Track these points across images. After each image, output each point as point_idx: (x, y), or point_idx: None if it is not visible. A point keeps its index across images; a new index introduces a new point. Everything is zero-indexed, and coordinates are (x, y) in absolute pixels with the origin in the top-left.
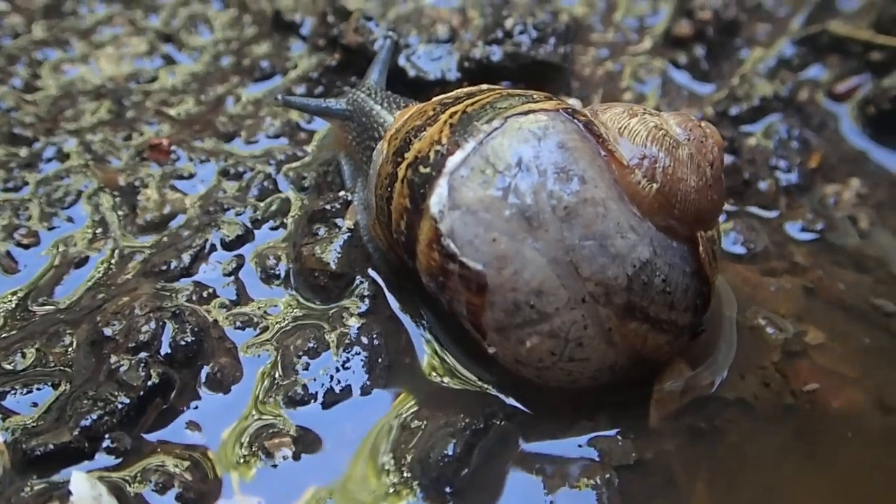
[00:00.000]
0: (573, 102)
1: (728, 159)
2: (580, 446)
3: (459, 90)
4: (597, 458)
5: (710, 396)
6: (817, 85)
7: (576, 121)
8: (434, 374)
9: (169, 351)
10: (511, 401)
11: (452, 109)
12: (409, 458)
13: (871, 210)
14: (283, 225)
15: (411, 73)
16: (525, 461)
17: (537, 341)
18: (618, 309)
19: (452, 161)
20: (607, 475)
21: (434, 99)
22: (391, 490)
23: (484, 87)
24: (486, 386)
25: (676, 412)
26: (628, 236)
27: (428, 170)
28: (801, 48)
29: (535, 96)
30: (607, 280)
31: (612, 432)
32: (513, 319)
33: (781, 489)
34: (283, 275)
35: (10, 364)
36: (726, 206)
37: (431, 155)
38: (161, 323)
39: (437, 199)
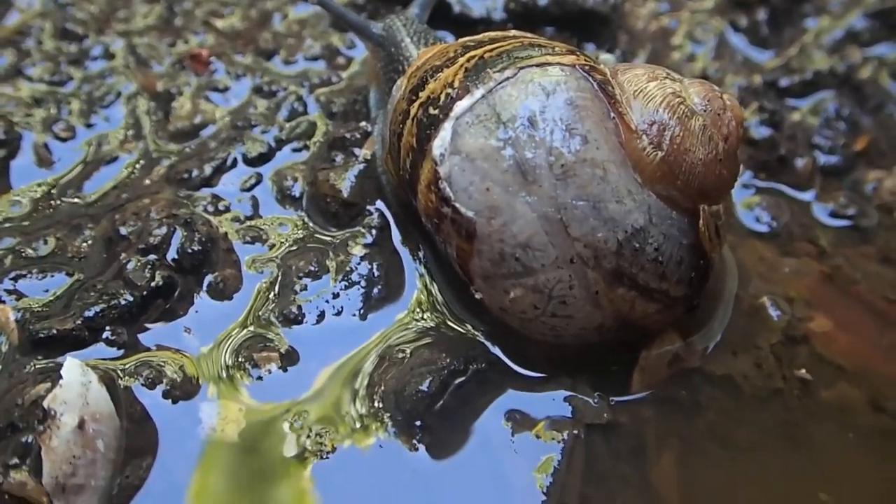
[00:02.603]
0: (607, 58)
1: (765, 132)
2: (555, 401)
3: (486, 34)
4: (569, 415)
5: (698, 370)
6: (883, 63)
7: (591, 79)
8: (423, 311)
9: (176, 256)
10: (495, 349)
11: (472, 53)
12: (384, 388)
13: None
14: (307, 147)
15: (456, 8)
16: (498, 407)
17: (520, 293)
18: (606, 273)
19: (460, 106)
20: (575, 431)
21: (459, 40)
22: (364, 416)
23: (512, 32)
24: (473, 332)
25: (661, 381)
26: (624, 201)
27: (436, 112)
28: (875, 22)
29: (556, 48)
30: (597, 242)
31: (591, 392)
32: (498, 269)
33: (753, 475)
34: (297, 196)
35: (32, 249)
36: (756, 181)
37: (442, 97)
38: (172, 229)
39: (440, 142)
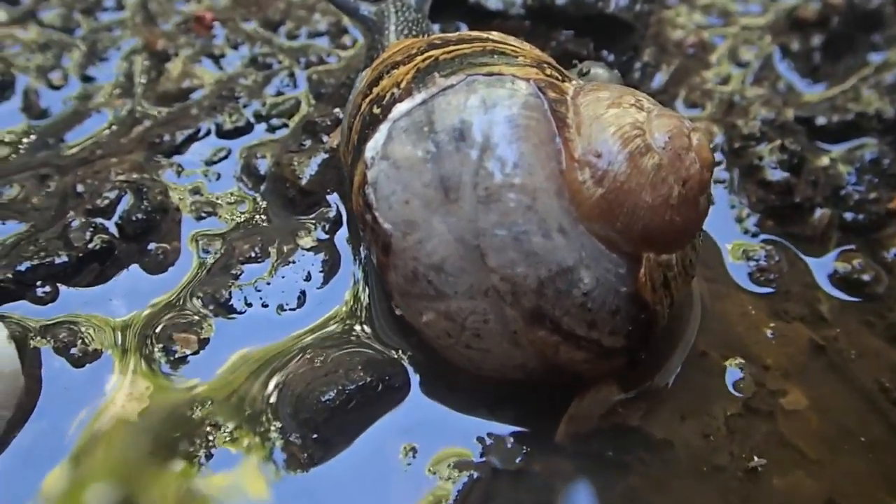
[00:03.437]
0: (597, 73)
1: (781, 175)
2: (466, 436)
3: (461, 33)
4: (477, 454)
5: (637, 428)
6: None
7: (543, 97)
8: (352, 318)
9: (119, 221)
10: (416, 371)
11: (430, 53)
12: (290, 391)
13: None
14: (286, 126)
15: None
16: (404, 432)
17: (433, 317)
18: (525, 312)
19: (399, 109)
20: (477, 475)
21: (432, 36)
22: (263, 418)
23: (490, 34)
24: (397, 349)
25: (590, 434)
26: (552, 236)
27: (378, 111)
28: None
29: (522, 58)
30: (515, 277)
31: (509, 431)
32: (412, 288)
33: None
34: (262, 176)
35: (5, 196)
36: (761, 227)
37: (387, 96)
38: (121, 193)
39: (374, 143)
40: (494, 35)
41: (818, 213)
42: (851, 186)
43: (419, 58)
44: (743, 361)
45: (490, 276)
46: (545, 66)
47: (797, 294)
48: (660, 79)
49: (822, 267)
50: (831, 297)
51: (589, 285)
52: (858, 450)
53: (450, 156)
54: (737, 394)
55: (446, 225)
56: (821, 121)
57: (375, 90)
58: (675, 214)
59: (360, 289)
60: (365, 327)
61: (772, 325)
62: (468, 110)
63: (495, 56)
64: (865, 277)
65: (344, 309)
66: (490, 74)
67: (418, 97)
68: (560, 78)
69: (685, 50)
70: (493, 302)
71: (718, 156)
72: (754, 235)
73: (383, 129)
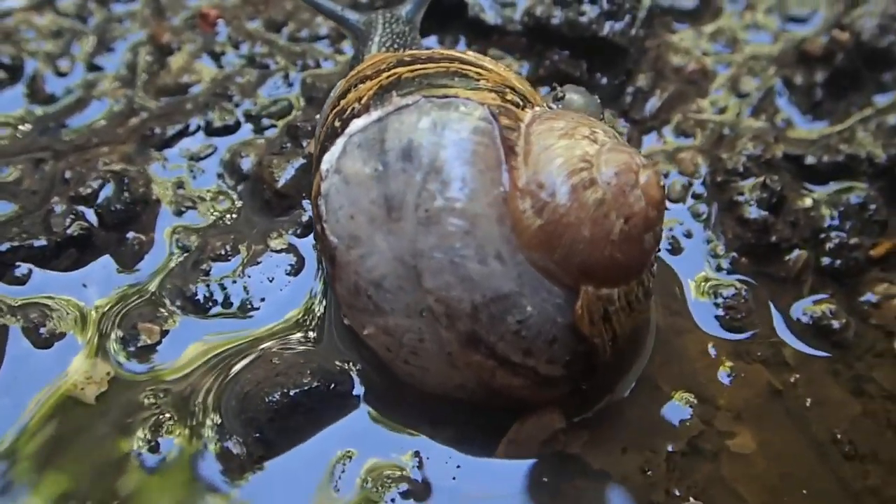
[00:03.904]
0: (576, 99)
1: (759, 213)
2: (405, 449)
3: (433, 51)
4: (414, 468)
5: (576, 456)
6: None
7: (495, 123)
8: (310, 323)
9: (99, 210)
10: (364, 380)
11: (395, 70)
12: (240, 388)
13: None
14: (275, 127)
15: (472, 11)
16: (344, 440)
17: (373, 331)
18: (460, 335)
19: (355, 124)
20: (409, 488)
21: (403, 52)
22: (211, 413)
23: (463, 54)
24: (347, 364)
25: (529, 457)
26: (488, 263)
27: (339, 124)
28: None
29: (483, 82)
30: (450, 300)
31: (448, 449)
32: (354, 301)
33: None
34: (245, 175)
35: (1, 176)
36: (733, 265)
37: (349, 110)
38: (104, 183)
39: (329, 157)
40: (469, 55)
41: (794, 254)
42: (833, 231)
43: (385, 74)
44: (695, 399)
45: (426, 296)
46: (508, 90)
47: (762, 336)
48: (652, 104)
49: (792, 311)
50: (798, 342)
51: (525, 313)
52: (800, 501)
53: (396, 175)
54: (681, 431)
55: (387, 243)
56: (810, 160)
57: (342, 102)
58: (615, 251)
59: (319, 296)
60: (319, 335)
61: (730, 364)
62: (418, 132)
63: (456, 79)
64: (835, 325)
65: (302, 314)
66: (445, 97)
67: (374, 114)
68: (521, 104)
69: (685, 76)
70: (428, 322)
71: (699, 188)
72: (729, 272)
73: (339, 143)
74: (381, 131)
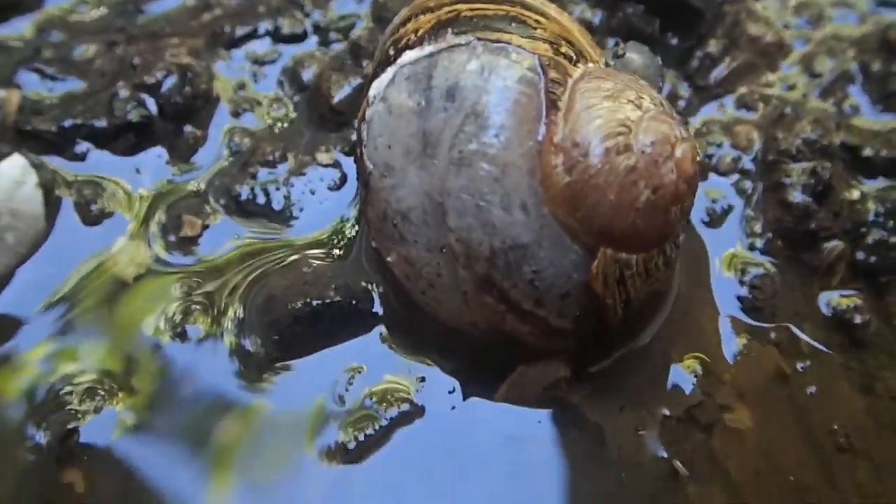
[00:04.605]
0: (636, 59)
1: (802, 198)
2: (412, 372)
3: None
4: (416, 392)
5: (575, 407)
6: None
7: (542, 75)
8: (342, 242)
9: (160, 101)
10: (382, 305)
11: (456, 7)
12: (268, 290)
13: None
14: (340, 42)
15: None
16: (356, 355)
17: (395, 259)
18: (476, 276)
19: (408, 56)
20: (404, 409)
21: None
22: (235, 308)
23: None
24: (370, 284)
25: (530, 401)
26: (513, 211)
27: (393, 53)
28: None
29: (539, 31)
30: (470, 242)
31: (452, 379)
32: (382, 227)
33: None
34: (305, 85)
35: (69, 49)
36: (769, 245)
37: (404, 40)
38: (168, 74)
39: (379, 83)
40: (536, 2)
41: (831, 244)
42: (875, 227)
43: (445, 9)
44: (701, 370)
45: (448, 234)
46: (564, 43)
47: (782, 319)
48: (718, 72)
49: (818, 300)
50: (817, 331)
51: (541, 265)
52: (784, 488)
53: (437, 113)
54: (682, 398)
55: (419, 177)
56: (867, 152)
57: (401, 31)
58: (638, 218)
59: (353, 219)
60: (347, 253)
61: (744, 342)
62: (465, 73)
63: (513, 24)
64: (857, 319)
65: (337, 230)
66: (499, 41)
67: (427, 49)
68: (575, 59)
69: (760, 47)
70: (447, 259)
71: (749, 164)
72: (762, 252)
73: (390, 71)
74: (430, 67)
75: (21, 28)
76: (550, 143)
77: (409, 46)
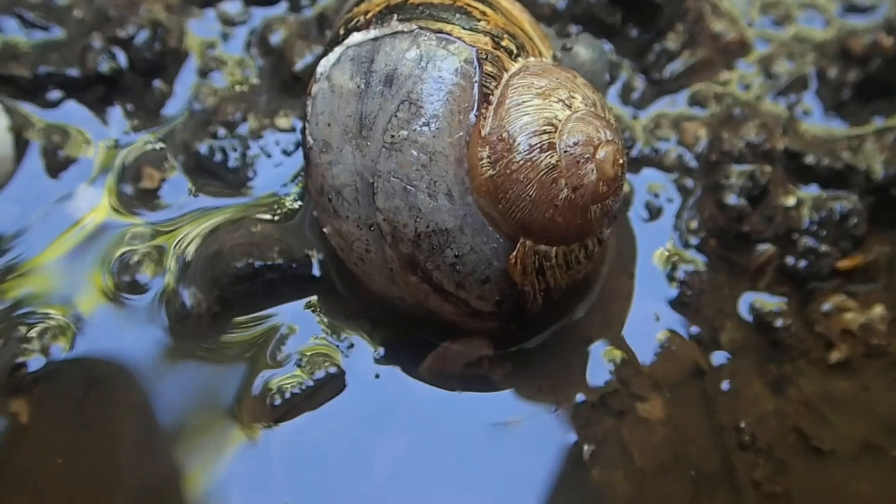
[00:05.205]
0: (582, 53)
1: (737, 201)
2: (342, 340)
3: None
4: (339, 355)
5: (495, 384)
6: None
7: (478, 68)
8: (289, 207)
9: (131, 55)
10: (321, 272)
11: None
12: (216, 248)
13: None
14: (310, 9)
15: None
16: (291, 315)
17: (330, 231)
18: (401, 256)
19: (354, 38)
20: (331, 370)
21: None
22: (178, 270)
23: None
24: (311, 250)
25: (452, 376)
26: (437, 198)
27: (343, 33)
28: None
29: (482, 24)
30: (396, 223)
31: (380, 349)
32: (319, 199)
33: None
34: (272, 49)
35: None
36: (703, 243)
37: (354, 21)
38: (138, 29)
39: (326, 62)
40: None
41: (762, 247)
42: (807, 235)
43: None
44: (620, 358)
45: (376, 214)
46: (506, 36)
47: (706, 316)
48: (674, 67)
49: (742, 300)
50: (738, 331)
51: (463, 250)
52: (683, 477)
53: (374, 97)
54: (599, 384)
55: (353, 157)
56: (809, 160)
57: (354, 10)
58: (557, 215)
59: (302, 184)
60: (297, 217)
61: (665, 336)
62: (404, 61)
63: (458, 15)
64: (779, 323)
65: (285, 195)
66: (440, 32)
67: (372, 32)
68: (516, 53)
69: (721, 45)
70: (375, 237)
71: (693, 162)
72: (696, 249)
73: (337, 51)
74: (373, 51)
75: None
76: (479, 136)
77: (356, 28)
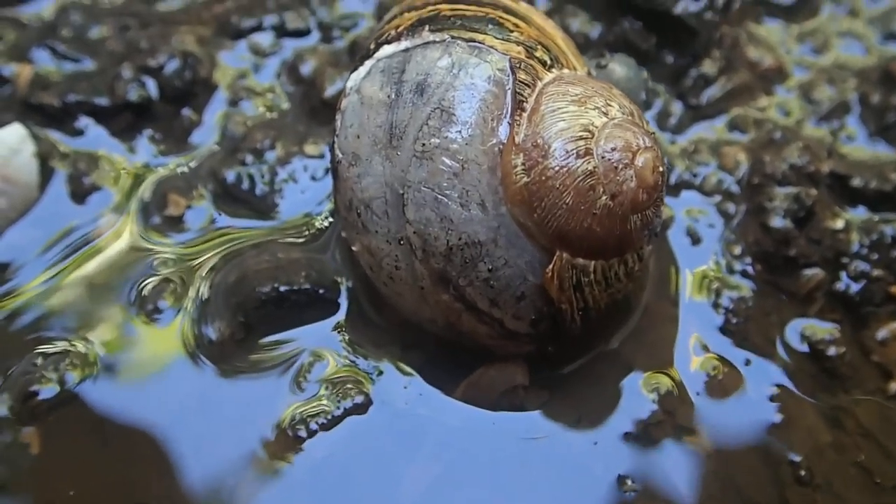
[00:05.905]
0: (618, 70)
1: (783, 224)
2: (371, 365)
3: None
4: (370, 380)
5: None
6: None
7: (511, 76)
8: (315, 234)
9: (161, 83)
10: (349, 297)
11: (438, 6)
12: (239, 272)
13: None
14: (342, 40)
15: None
16: (317, 339)
17: (359, 249)
18: (433, 272)
19: (385, 50)
20: (358, 400)
21: None
22: (202, 291)
23: (517, 3)
24: (340, 277)
25: (486, 404)
26: (470, 208)
27: (374, 47)
28: None
29: (515, 34)
30: (427, 235)
31: (411, 376)
32: (347, 216)
33: None
34: (303, 78)
35: (84, 29)
36: (749, 267)
37: (385, 35)
38: (171, 58)
39: (356, 76)
40: (519, 6)
41: (810, 272)
42: (857, 259)
43: (429, 7)
44: (664, 387)
45: (407, 226)
46: (539, 47)
47: (754, 343)
48: (712, 92)
49: (791, 326)
50: (788, 359)
51: (497, 264)
52: None
53: (405, 105)
54: (642, 415)
55: (383, 168)
56: (856, 182)
57: (388, 26)
58: (595, 224)
59: (329, 208)
60: (325, 242)
61: (712, 364)
62: (436, 69)
63: (490, 26)
64: (831, 351)
65: (315, 215)
66: (472, 41)
67: (403, 44)
68: (549, 63)
69: (759, 71)
70: (405, 252)
71: (734, 187)
72: (743, 275)
73: (367, 64)
74: (404, 62)
75: (43, 8)
76: (512, 143)
77: (387, 41)
